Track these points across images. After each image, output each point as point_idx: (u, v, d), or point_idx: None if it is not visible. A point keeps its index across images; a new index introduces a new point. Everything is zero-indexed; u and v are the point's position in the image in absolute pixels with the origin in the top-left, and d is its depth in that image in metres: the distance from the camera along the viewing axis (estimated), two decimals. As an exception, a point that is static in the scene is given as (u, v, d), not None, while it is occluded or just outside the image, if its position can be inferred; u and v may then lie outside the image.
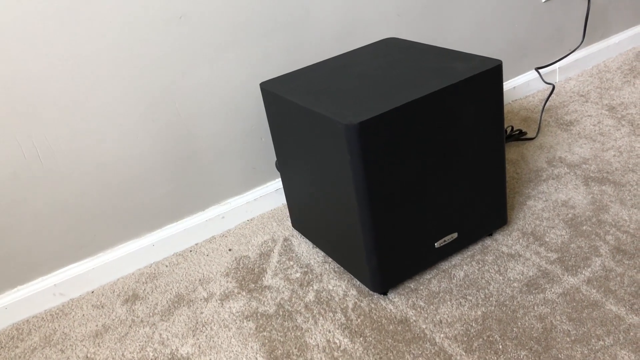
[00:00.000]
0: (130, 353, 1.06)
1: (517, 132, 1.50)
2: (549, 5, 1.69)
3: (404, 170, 0.98)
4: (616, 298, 0.98)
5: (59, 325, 1.16)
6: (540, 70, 1.72)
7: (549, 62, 1.75)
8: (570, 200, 1.24)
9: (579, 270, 1.05)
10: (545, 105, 1.64)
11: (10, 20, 1.03)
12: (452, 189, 1.05)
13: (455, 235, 1.10)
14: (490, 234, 1.19)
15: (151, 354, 1.05)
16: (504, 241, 1.16)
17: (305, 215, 1.21)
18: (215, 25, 1.22)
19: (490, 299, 1.03)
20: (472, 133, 1.03)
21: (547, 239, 1.14)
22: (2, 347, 1.13)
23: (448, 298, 1.05)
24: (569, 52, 1.75)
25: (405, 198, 1.00)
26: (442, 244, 1.09)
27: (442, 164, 1.02)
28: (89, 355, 1.07)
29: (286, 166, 1.19)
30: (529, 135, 1.51)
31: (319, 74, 1.13)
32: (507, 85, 1.71)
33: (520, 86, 1.72)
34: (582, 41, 1.69)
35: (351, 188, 0.97)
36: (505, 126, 1.56)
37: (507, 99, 1.72)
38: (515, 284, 1.05)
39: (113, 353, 1.06)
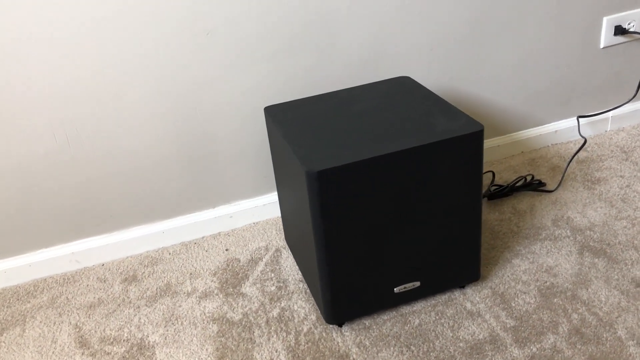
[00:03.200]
0: (110, 330, 1.20)
1: (536, 182, 1.48)
2: (608, 51, 1.61)
3: (363, 218, 1.03)
4: (550, 382, 0.98)
5: (66, 290, 1.33)
6: (584, 119, 1.65)
7: (601, 110, 1.68)
8: (556, 267, 1.23)
9: (528, 344, 1.06)
10: (577, 157, 1.59)
11: (63, 25, 1.17)
12: (416, 241, 1.09)
13: (417, 283, 1.14)
14: (463, 286, 1.20)
15: (125, 335, 1.18)
16: (471, 296, 1.18)
17: (290, 233, 1.29)
18: (240, 43, 1.30)
19: (431, 354, 1.06)
20: (443, 192, 1.06)
21: (514, 304, 1.15)
22: (18, 299, 1.32)
23: (393, 343, 1.09)
24: (624, 102, 1.66)
25: (364, 244, 1.05)
26: (402, 290, 1.13)
27: (406, 217, 1.06)
28: (78, 324, 1.23)
29: (278, 184, 1.27)
30: (548, 187, 1.48)
31: (319, 107, 1.19)
32: (549, 128, 1.67)
33: (563, 131, 1.67)
34: (635, 94, 1.60)
35: (310, 227, 1.03)
36: (526, 174, 1.53)
37: (546, 142, 1.67)
38: (461, 344, 1.07)
39: (96, 326, 1.21)
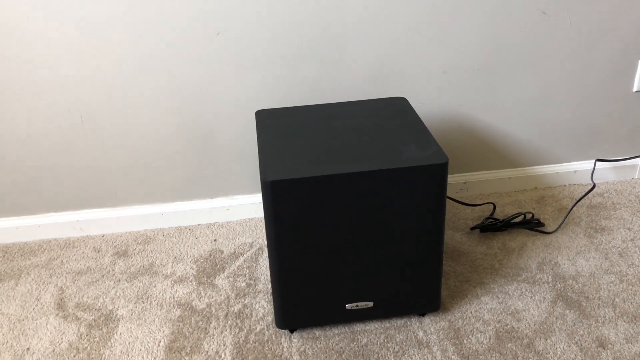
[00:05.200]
0: (87, 298, 1.29)
1: (534, 221, 1.43)
2: (641, 96, 1.53)
3: (318, 232, 1.05)
4: None
5: (63, 254, 1.44)
6: (605, 163, 1.58)
7: (628, 156, 1.60)
8: (523, 311, 1.19)
9: (464, 383, 1.05)
10: (590, 202, 1.52)
11: (87, 16, 1.27)
12: (371, 262, 1.09)
13: (370, 304, 1.14)
14: (423, 314, 1.20)
15: (99, 305, 1.27)
16: (427, 326, 1.17)
17: (267, 236, 1.33)
18: (249, 46, 1.35)
19: (366, 375, 1.07)
20: (401, 218, 1.06)
21: (466, 342, 1.13)
22: (21, 255, 1.45)
23: (335, 358, 1.11)
24: (654, 151, 1.58)
25: (317, 256, 1.07)
26: (353, 308, 1.14)
27: (362, 237, 1.07)
28: (63, 287, 1.33)
29: (263, 188, 1.31)
30: (546, 229, 1.43)
31: (305, 117, 1.21)
32: (567, 167, 1.60)
33: (583, 172, 1.60)
34: (663, 146, 1.51)
35: (266, 232, 1.07)
36: (526, 211, 1.49)
37: (562, 181, 1.61)
38: (398, 371, 1.08)
39: (76, 292, 1.31)
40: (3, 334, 1.20)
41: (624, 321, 1.16)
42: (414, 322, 1.18)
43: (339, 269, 1.10)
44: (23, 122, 1.37)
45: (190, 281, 1.33)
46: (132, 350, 1.15)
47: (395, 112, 1.22)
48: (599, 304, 1.20)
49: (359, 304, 1.14)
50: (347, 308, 1.14)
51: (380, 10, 1.34)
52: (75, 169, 1.45)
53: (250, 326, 1.19)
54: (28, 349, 1.16)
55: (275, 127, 1.18)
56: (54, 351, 1.15)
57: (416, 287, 1.14)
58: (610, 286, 1.25)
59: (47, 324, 1.22)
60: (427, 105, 1.47)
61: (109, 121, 1.40)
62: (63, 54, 1.31)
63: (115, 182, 1.48)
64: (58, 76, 1.33)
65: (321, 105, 1.28)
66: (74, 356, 1.14)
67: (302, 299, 1.12)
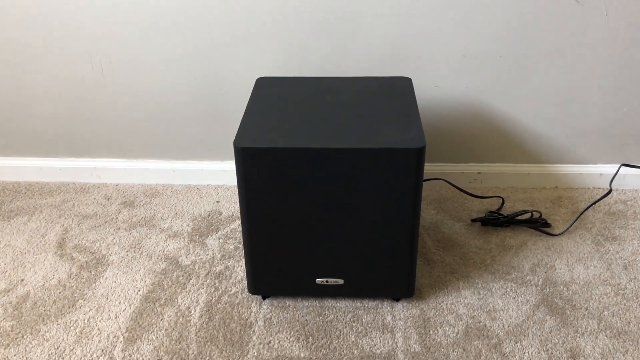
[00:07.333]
0: (86, 241, 1.36)
1: (541, 221, 1.37)
2: (683, 101, 1.41)
3: (288, 203, 1.05)
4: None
5: (76, 197, 1.52)
6: (632, 169, 1.47)
7: (661, 164, 1.49)
8: (501, 311, 1.15)
9: (417, 373, 1.03)
10: (610, 209, 1.43)
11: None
12: (342, 240, 1.09)
13: (340, 281, 1.14)
14: (397, 299, 1.18)
15: (94, 249, 1.34)
16: (397, 311, 1.16)
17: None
18: (265, 13, 1.35)
19: (321, 350, 1.08)
20: (373, 200, 1.04)
21: (432, 332, 1.11)
22: (40, 195, 1.54)
23: (297, 329, 1.12)
24: (691, 162, 1.46)
25: (285, 227, 1.08)
26: (323, 283, 1.14)
27: (333, 214, 1.06)
28: (68, 228, 1.41)
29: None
30: (553, 230, 1.36)
31: (302, 89, 1.21)
32: (593, 169, 1.51)
33: (608, 175, 1.50)
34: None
35: (238, 198, 1.08)
36: (535, 209, 1.42)
37: (586, 183, 1.52)
38: (355, 351, 1.07)
39: (77, 235, 1.38)
40: (5, 264, 1.29)
41: (606, 336, 1.09)
42: (385, 306, 1.17)
43: (310, 243, 1.10)
44: (50, 71, 1.45)
45: (183, 237, 1.37)
46: (112, 295, 1.21)
47: (394, 91, 1.19)
48: (584, 314, 1.14)
49: (329, 280, 1.14)
50: (317, 282, 1.15)
51: (400, -14, 1.30)
52: (96, 119, 1.52)
53: (226, 287, 1.22)
54: (22, 280, 1.25)
55: (269, 95, 1.19)
56: (43, 285, 1.23)
57: (388, 271, 1.12)
58: (603, 298, 1.18)
59: (44, 260, 1.30)
60: (443, 89, 1.43)
61: (126, 75, 1.45)
62: (84, 6, 1.36)
63: (132, 135, 1.54)
64: (81, 26, 1.39)
65: (323, 78, 1.27)
66: (60, 293, 1.21)
67: (273, 267, 1.13)
